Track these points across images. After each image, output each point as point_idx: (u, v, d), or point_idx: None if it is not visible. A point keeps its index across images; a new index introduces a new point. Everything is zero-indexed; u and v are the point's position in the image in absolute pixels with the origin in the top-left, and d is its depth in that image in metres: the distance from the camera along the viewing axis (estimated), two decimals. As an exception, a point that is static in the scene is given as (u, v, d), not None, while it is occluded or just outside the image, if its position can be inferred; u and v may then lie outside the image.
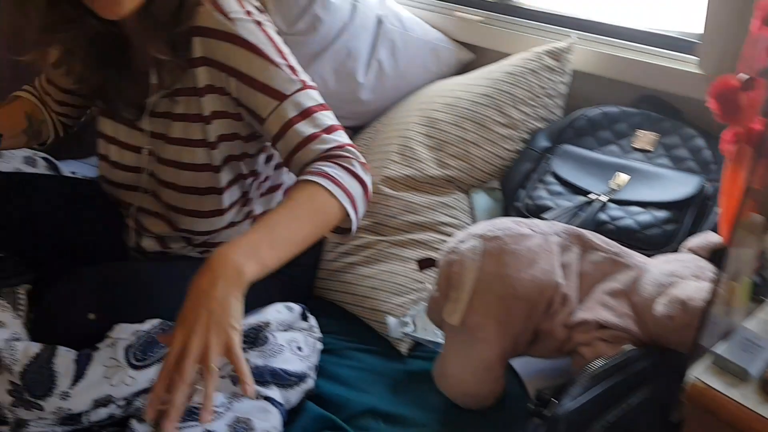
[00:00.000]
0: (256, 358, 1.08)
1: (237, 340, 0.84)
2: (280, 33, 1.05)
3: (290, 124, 1.04)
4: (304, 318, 1.20)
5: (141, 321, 1.06)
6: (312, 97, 1.07)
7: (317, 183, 0.96)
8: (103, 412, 1.03)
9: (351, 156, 1.02)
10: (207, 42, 1.07)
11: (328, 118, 1.07)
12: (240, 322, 0.85)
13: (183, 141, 1.14)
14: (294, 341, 1.13)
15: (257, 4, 1.13)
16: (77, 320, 1.05)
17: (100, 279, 1.09)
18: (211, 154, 1.13)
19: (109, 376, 1.02)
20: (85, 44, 1.10)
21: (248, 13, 1.08)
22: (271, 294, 1.20)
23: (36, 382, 1.00)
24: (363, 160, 1.04)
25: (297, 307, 1.20)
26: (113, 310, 1.06)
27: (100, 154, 1.24)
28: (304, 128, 1.04)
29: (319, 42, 1.66)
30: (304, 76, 1.08)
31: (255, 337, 1.12)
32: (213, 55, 1.07)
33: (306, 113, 1.05)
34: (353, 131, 1.74)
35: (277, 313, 1.16)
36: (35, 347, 1.03)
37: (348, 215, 0.99)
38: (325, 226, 0.98)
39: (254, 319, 1.14)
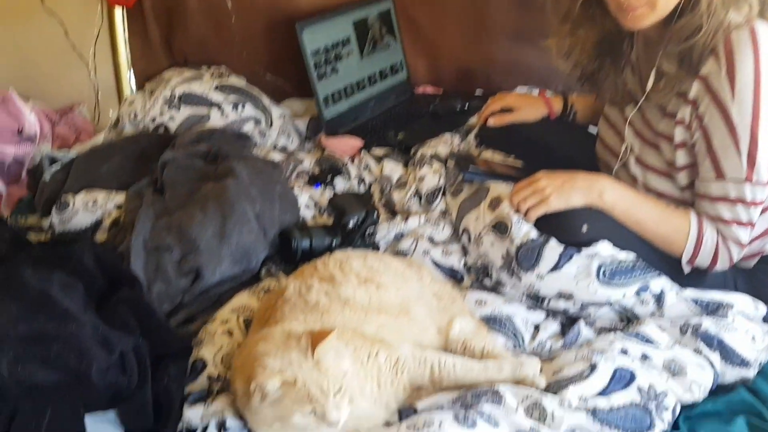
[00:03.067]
0: (710, 324, 1.13)
1: (546, 209, 1.21)
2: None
3: (711, 199, 1.16)
4: (765, 320, 1.19)
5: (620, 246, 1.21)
6: (748, 193, 1.13)
7: (694, 224, 1.18)
8: (561, 303, 1.22)
9: (729, 248, 1.18)
10: (716, 67, 1.10)
11: (748, 214, 1.15)
12: (560, 207, 1.20)
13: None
14: (751, 331, 1.14)
15: None
16: (572, 228, 1.22)
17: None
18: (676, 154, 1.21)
19: (577, 278, 1.19)
20: (594, 37, 1.26)
21: None
22: (737, 284, 1.24)
23: (526, 257, 1.23)
24: (736, 258, 1.20)
25: (763, 308, 1.19)
26: (601, 226, 1.22)
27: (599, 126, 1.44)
28: (722, 209, 1.16)
29: None
30: (763, 172, 1.11)
31: (716, 309, 1.18)
32: (712, 87, 1.11)
33: (732, 202, 1.15)
34: None
35: (743, 302, 1.19)
36: (534, 232, 1.25)
37: (681, 258, 1.20)
38: (661, 243, 1.21)
39: (719, 296, 1.20)
